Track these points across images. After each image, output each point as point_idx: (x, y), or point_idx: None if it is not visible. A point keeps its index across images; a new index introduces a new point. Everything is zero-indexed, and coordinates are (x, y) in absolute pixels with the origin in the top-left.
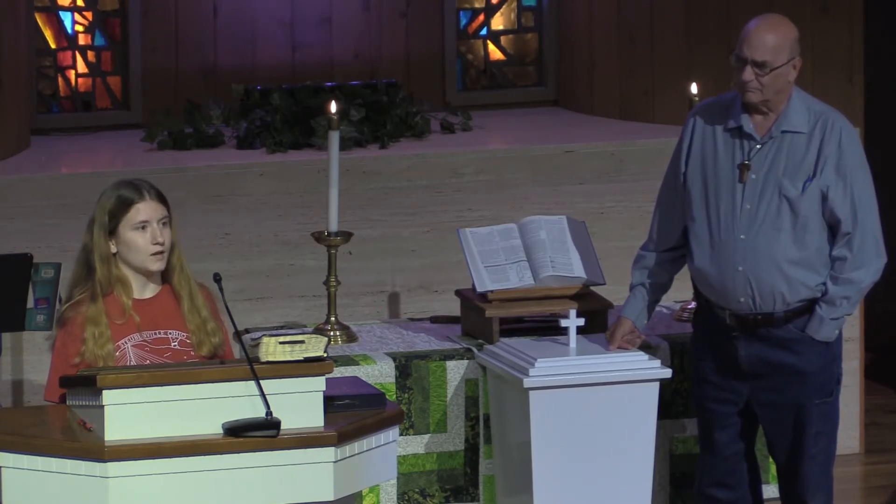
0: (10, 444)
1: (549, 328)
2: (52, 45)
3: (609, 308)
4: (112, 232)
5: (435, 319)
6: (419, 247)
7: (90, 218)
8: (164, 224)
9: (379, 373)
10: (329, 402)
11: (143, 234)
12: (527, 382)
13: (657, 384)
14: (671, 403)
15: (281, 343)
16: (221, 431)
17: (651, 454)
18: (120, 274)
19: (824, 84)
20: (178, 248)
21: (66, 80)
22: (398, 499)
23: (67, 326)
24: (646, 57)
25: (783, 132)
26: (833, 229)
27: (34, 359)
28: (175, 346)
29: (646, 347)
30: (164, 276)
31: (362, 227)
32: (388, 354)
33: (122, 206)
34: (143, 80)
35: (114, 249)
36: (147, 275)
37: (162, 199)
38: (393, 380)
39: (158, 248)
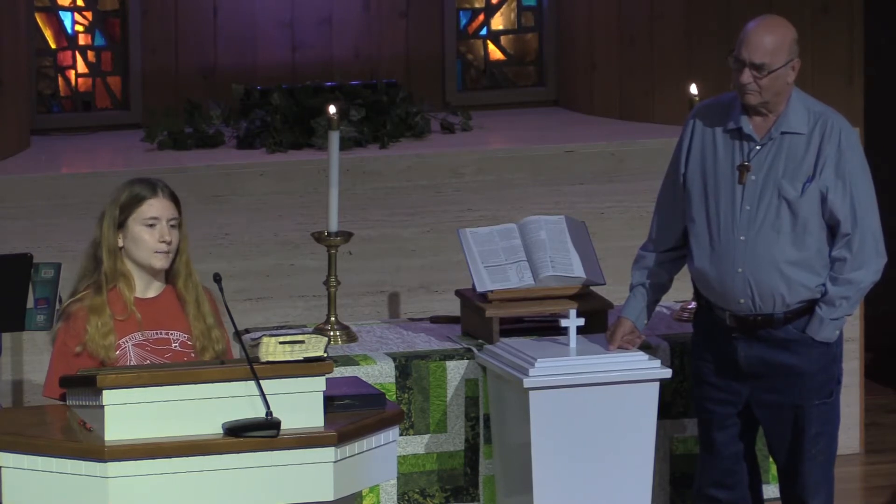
0: (10, 444)
1: (549, 328)
2: (52, 45)
3: (609, 308)
4: (121, 225)
5: (435, 319)
6: (419, 247)
7: (101, 212)
8: (173, 225)
9: (379, 373)
10: (329, 402)
11: (152, 230)
12: (527, 382)
13: (657, 384)
14: (671, 403)
15: (281, 343)
16: (221, 431)
17: (651, 454)
18: (124, 268)
19: (824, 84)
20: (185, 253)
21: (66, 80)
22: (398, 499)
23: (69, 321)
24: (646, 57)
25: (782, 133)
26: (833, 230)
27: (34, 359)
28: (176, 346)
29: (646, 347)
30: (168, 279)
31: (362, 227)
32: (388, 354)
33: (135, 201)
34: (143, 80)
35: (120, 243)
36: (151, 272)
37: (175, 199)
38: (393, 380)
39: (164, 248)
